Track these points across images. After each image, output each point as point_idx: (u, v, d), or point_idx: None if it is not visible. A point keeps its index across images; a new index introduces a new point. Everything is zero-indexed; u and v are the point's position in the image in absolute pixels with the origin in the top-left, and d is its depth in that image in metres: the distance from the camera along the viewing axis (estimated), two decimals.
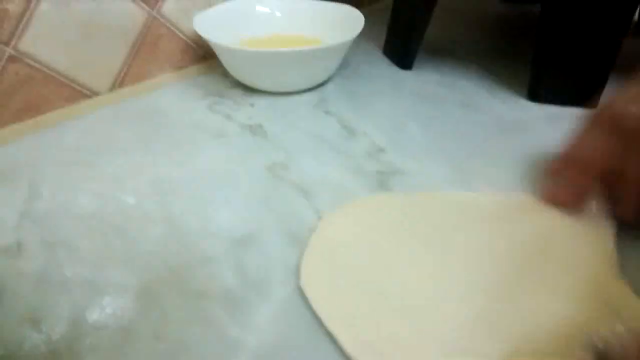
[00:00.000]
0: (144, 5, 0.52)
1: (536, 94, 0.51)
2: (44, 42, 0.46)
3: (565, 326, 0.27)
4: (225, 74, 0.56)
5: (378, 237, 0.33)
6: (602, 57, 0.47)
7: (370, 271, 0.31)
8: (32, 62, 0.46)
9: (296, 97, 0.53)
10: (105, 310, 0.29)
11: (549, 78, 0.50)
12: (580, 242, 0.32)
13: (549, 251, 0.32)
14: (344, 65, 0.58)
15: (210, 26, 0.53)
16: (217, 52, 0.52)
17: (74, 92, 0.50)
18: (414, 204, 0.36)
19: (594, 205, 0.34)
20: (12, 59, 0.45)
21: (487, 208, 0.36)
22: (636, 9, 0.46)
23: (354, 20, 0.55)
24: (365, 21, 0.54)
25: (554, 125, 0.47)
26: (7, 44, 0.44)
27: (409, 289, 0.30)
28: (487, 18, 0.75)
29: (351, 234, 0.34)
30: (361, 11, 0.56)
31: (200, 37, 0.51)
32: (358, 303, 0.29)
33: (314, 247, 0.33)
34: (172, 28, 0.55)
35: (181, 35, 0.56)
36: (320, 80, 0.54)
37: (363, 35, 0.54)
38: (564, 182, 0.34)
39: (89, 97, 0.51)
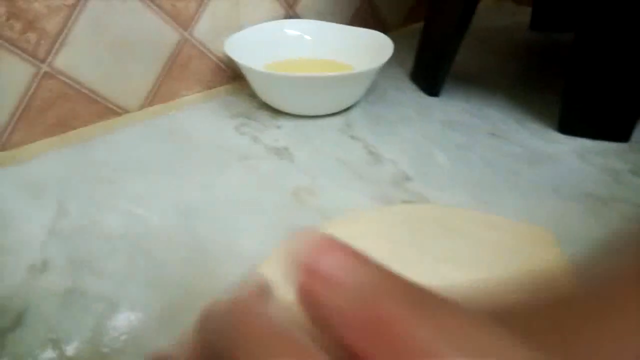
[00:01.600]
0: (177, 26, 0.53)
1: (567, 126, 0.50)
2: (78, 60, 0.47)
3: None
4: (253, 95, 0.56)
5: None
6: (636, 90, 0.46)
7: None
8: (65, 79, 0.47)
9: (323, 121, 0.53)
10: (125, 330, 0.29)
11: (581, 110, 0.49)
12: None
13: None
14: (370, 90, 0.58)
15: (240, 48, 0.53)
16: (246, 74, 0.53)
17: (105, 109, 0.51)
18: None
19: None
20: (47, 75, 0.46)
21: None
22: None
23: (383, 46, 0.55)
24: (394, 45, 0.54)
25: (585, 159, 0.46)
26: (43, 61, 0.45)
27: None
28: (517, 46, 0.75)
29: None
30: (389, 35, 0.56)
31: (230, 58, 0.52)
32: None
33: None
34: (203, 49, 0.56)
35: (211, 57, 0.57)
36: (347, 105, 0.54)
37: (391, 60, 0.54)
38: None
39: (119, 114, 0.52)
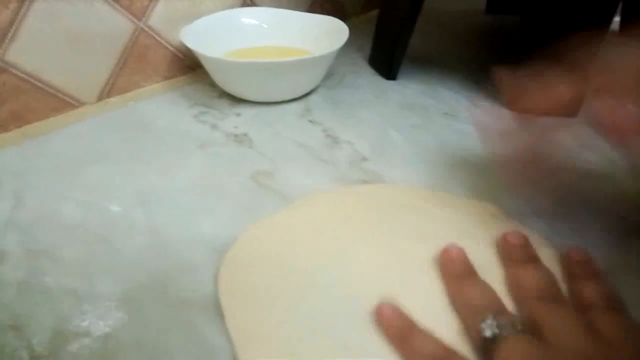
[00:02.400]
0: (131, 16, 0.52)
1: None
2: (31, 52, 0.47)
3: None
4: (212, 84, 0.56)
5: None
6: None
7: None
8: (19, 73, 0.47)
9: (282, 107, 0.53)
10: (88, 318, 0.29)
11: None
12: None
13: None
14: (329, 75, 0.59)
15: (197, 37, 0.53)
16: (204, 63, 0.53)
17: (61, 102, 0.51)
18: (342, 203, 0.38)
19: None
20: None
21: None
22: (611, 20, 0.47)
23: (339, 31, 0.56)
24: (351, 32, 0.55)
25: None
26: None
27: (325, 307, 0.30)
28: (473, 29, 0.77)
29: (269, 247, 0.34)
30: (347, 23, 0.57)
31: (188, 48, 0.52)
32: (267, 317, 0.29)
33: (234, 255, 0.33)
34: (159, 39, 0.56)
35: (168, 46, 0.57)
36: (305, 90, 0.55)
37: (349, 46, 0.55)
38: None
39: (76, 107, 0.52)
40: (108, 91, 0.54)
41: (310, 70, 0.52)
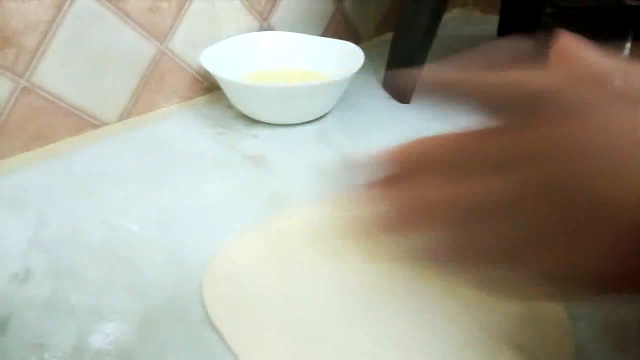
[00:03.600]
0: (153, 39, 0.54)
1: None
2: (56, 74, 0.48)
3: None
4: (229, 106, 0.57)
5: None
6: None
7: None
8: (44, 94, 0.48)
9: (297, 129, 0.54)
10: (108, 337, 0.30)
11: None
12: None
13: None
14: (344, 98, 0.60)
15: (215, 60, 0.55)
16: (222, 86, 0.54)
17: (83, 122, 0.52)
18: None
19: None
20: (25, 90, 0.47)
21: None
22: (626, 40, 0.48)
23: (354, 56, 0.57)
24: (365, 55, 0.56)
25: None
26: (21, 76, 0.46)
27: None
28: None
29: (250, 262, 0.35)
30: (361, 45, 0.58)
31: (206, 70, 0.53)
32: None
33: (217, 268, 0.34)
34: (179, 62, 0.57)
35: (188, 69, 0.58)
36: (321, 113, 0.56)
37: (363, 69, 0.56)
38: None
39: (97, 127, 0.53)
40: (129, 112, 0.55)
41: (326, 94, 0.53)
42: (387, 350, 0.28)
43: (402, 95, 0.60)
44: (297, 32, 0.63)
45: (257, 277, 0.34)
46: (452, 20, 0.89)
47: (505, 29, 0.84)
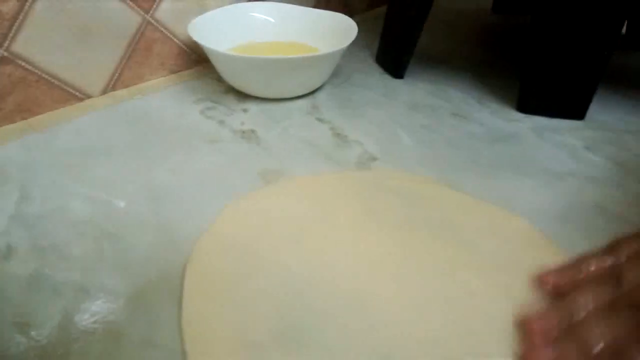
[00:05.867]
0: (138, 9, 0.52)
1: (525, 106, 0.52)
2: (37, 44, 0.46)
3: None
4: (218, 79, 0.56)
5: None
6: (590, 69, 0.48)
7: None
8: (24, 64, 0.46)
9: (289, 104, 0.53)
10: (95, 315, 0.29)
11: (538, 90, 0.51)
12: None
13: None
14: (336, 72, 0.59)
15: (204, 31, 0.53)
16: (211, 58, 0.53)
17: (67, 95, 0.50)
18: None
19: None
20: (4, 60, 0.45)
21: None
22: (624, 22, 0.47)
23: (347, 29, 0.55)
24: (359, 29, 0.55)
25: (542, 137, 0.48)
26: (0, 45, 0.44)
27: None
28: (480, 28, 0.76)
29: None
30: (354, 19, 0.57)
31: (194, 41, 0.51)
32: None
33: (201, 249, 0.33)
34: (166, 32, 0.55)
35: (175, 40, 0.56)
36: (313, 87, 0.54)
37: (356, 43, 0.54)
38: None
39: (81, 99, 0.51)
40: (114, 84, 0.53)
41: (318, 67, 0.52)
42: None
43: (395, 69, 0.59)
44: (290, 3, 0.61)
45: (243, 255, 0.32)
46: None
47: (500, 4, 0.83)
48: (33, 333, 0.28)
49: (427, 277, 0.31)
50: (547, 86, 0.50)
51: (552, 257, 0.31)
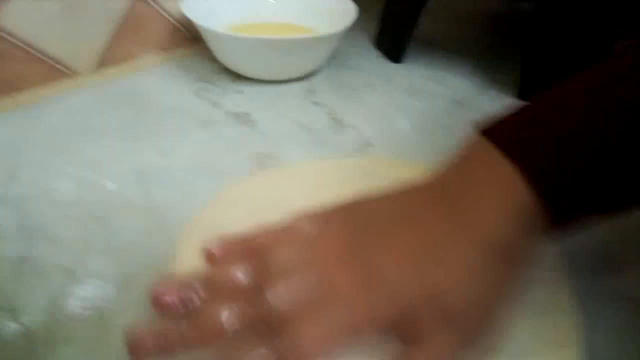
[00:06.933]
0: None
1: (526, 93, 0.51)
2: (24, 17, 0.44)
3: None
4: (213, 59, 0.54)
5: None
6: (593, 58, 0.47)
7: None
8: (10, 38, 0.44)
9: (285, 86, 0.52)
10: (84, 300, 0.28)
11: (540, 76, 0.50)
12: None
13: None
14: (334, 55, 0.57)
15: (198, 9, 0.51)
16: (205, 37, 0.51)
17: (55, 71, 0.48)
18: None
19: None
20: None
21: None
22: (628, 8, 0.46)
23: (346, 11, 0.54)
24: (358, 11, 0.53)
25: None
26: None
27: None
28: (481, 14, 0.75)
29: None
30: (353, 0, 0.55)
31: (188, 19, 0.50)
32: None
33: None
34: (159, 9, 0.53)
35: (168, 17, 0.55)
36: (309, 70, 0.53)
37: (354, 25, 0.53)
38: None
39: (69, 76, 0.50)
40: (104, 61, 0.52)
41: (316, 49, 0.51)
42: None
43: (394, 53, 0.58)
44: None
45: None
46: None
47: None
48: (20, 318, 0.27)
49: None
50: (548, 73, 0.49)
51: None
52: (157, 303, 0.23)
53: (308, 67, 0.53)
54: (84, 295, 0.29)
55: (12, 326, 0.27)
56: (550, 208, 0.23)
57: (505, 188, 0.23)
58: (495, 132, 0.26)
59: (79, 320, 0.27)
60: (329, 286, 0.22)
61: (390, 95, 0.51)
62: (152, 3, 0.52)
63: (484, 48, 0.63)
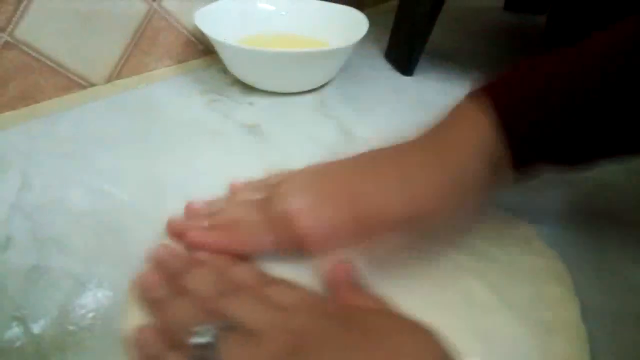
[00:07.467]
0: None
1: None
2: (41, 29, 0.45)
3: None
4: (225, 71, 0.55)
5: None
6: None
7: None
8: (28, 50, 0.45)
9: (296, 98, 0.52)
10: (94, 309, 0.29)
11: None
12: None
13: None
14: (345, 68, 0.58)
15: (211, 22, 0.52)
16: (218, 49, 0.52)
17: (70, 82, 0.49)
18: None
19: None
20: (7, 45, 0.44)
21: None
22: None
23: (357, 23, 0.54)
24: (369, 24, 0.54)
25: None
26: (3, 30, 0.43)
27: None
28: (491, 27, 0.75)
29: None
30: (364, 13, 0.56)
31: (201, 32, 0.50)
32: None
33: None
34: (173, 21, 0.54)
35: (182, 29, 0.56)
36: (321, 83, 0.54)
37: (366, 37, 0.53)
38: None
39: (85, 87, 0.51)
40: (118, 73, 0.52)
41: (328, 62, 0.51)
42: None
43: (405, 66, 0.58)
44: None
45: None
46: None
47: (512, 2, 0.82)
48: (31, 325, 0.27)
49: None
50: None
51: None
52: (189, 207, 0.33)
53: (319, 80, 0.53)
54: (95, 304, 0.29)
55: (22, 334, 0.27)
56: (513, 149, 0.28)
57: (476, 127, 0.29)
58: (477, 92, 0.32)
59: (89, 329, 0.27)
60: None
61: (402, 108, 0.51)
62: (166, 16, 0.53)
63: (494, 61, 0.63)
